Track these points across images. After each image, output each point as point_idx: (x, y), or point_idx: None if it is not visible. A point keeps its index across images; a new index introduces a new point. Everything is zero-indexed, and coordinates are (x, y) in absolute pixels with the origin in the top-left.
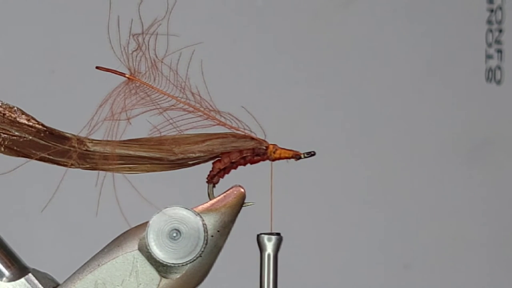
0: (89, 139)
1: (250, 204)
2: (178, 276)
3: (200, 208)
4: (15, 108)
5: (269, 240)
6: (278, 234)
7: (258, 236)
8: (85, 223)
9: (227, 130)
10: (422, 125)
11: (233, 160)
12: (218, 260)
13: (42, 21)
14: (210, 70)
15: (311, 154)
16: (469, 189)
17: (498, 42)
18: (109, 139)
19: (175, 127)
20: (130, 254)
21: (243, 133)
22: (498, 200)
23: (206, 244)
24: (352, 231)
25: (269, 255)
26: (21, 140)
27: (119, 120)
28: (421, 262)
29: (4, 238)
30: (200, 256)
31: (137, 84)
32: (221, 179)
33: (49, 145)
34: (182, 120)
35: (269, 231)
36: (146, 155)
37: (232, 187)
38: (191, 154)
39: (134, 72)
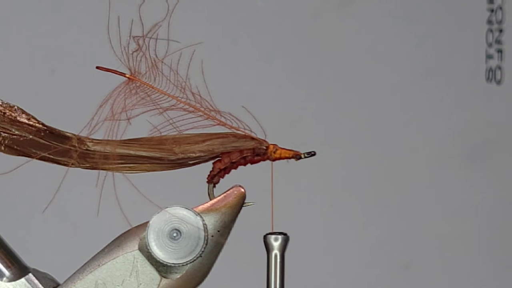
0: (89, 139)
1: (251, 204)
2: (178, 276)
3: (200, 208)
4: (16, 107)
5: (276, 240)
6: (284, 234)
7: (264, 236)
8: (86, 223)
9: (227, 130)
10: (422, 125)
11: (233, 160)
12: (220, 259)
13: (42, 21)
14: (210, 70)
15: (311, 154)
16: (469, 189)
17: (498, 42)
18: (109, 138)
19: (175, 127)
20: (130, 254)
21: (243, 133)
22: (498, 200)
23: (206, 244)
24: (353, 231)
25: (275, 255)
26: (21, 139)
27: (119, 120)
28: (421, 262)
29: (4, 238)
30: (200, 256)
31: (137, 84)
32: (221, 179)
33: (50, 145)
34: (182, 120)
35: (270, 231)
36: (147, 155)
37: (232, 187)
38: (191, 154)
39: (134, 72)
